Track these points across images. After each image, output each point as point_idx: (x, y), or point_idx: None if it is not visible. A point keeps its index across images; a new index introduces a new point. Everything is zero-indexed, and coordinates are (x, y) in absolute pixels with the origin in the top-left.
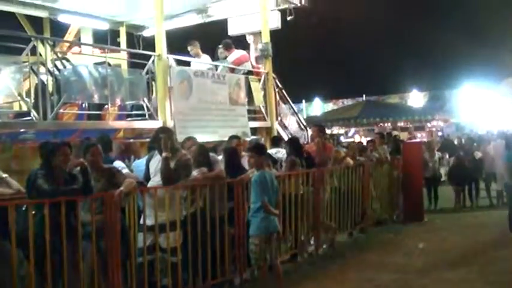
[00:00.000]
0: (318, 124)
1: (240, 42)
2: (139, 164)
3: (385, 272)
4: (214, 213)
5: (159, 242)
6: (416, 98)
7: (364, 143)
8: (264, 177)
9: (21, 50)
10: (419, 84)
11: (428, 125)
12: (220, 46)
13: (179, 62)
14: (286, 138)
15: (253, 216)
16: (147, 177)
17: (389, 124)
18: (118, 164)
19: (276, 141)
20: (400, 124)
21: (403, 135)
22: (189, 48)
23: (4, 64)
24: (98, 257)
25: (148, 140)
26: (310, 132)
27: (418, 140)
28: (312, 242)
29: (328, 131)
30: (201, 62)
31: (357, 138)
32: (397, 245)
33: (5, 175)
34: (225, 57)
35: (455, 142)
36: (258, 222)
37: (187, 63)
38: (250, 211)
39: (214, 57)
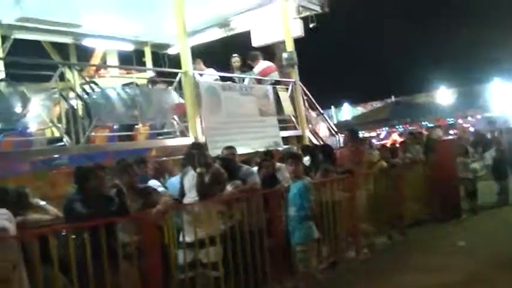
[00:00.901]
0: (350, 128)
1: (266, 52)
2: (174, 181)
3: (427, 272)
4: (252, 225)
5: (199, 258)
6: (444, 95)
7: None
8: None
9: (49, 76)
10: (447, 81)
11: (460, 121)
12: (235, 55)
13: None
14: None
15: (299, 224)
16: (182, 194)
17: (420, 123)
18: (153, 183)
19: (307, 149)
20: (430, 123)
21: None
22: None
23: (34, 92)
24: (139, 276)
25: (181, 157)
26: (341, 137)
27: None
28: (351, 248)
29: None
30: (227, 75)
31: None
32: (436, 244)
33: (42, 202)
34: (240, 67)
35: (488, 136)
36: (305, 229)
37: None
38: (293, 219)
39: (229, 68)
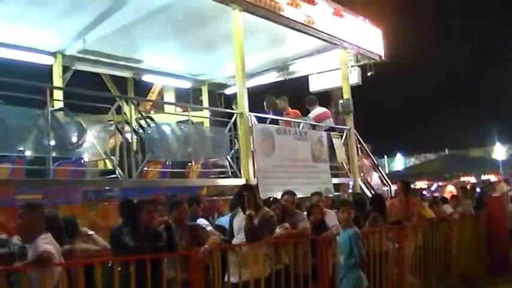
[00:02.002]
0: (403, 180)
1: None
2: (223, 220)
3: None
4: (299, 270)
5: None
6: (500, 151)
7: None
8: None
9: (106, 109)
10: (503, 137)
11: None
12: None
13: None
14: (369, 195)
15: (348, 272)
16: (231, 235)
17: (472, 178)
18: (202, 221)
19: (355, 198)
20: (484, 178)
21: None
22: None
23: (90, 123)
24: None
25: (231, 197)
26: (393, 187)
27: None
28: None
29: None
30: (285, 119)
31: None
32: None
33: (91, 232)
34: (269, 108)
35: None
36: (354, 278)
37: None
38: (343, 267)
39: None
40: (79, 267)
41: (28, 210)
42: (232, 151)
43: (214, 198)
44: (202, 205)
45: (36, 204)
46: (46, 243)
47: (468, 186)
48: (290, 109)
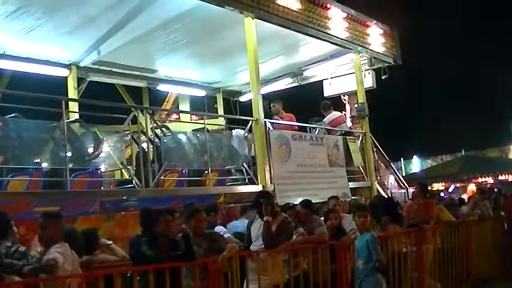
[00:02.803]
0: (420, 183)
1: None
2: (237, 224)
3: None
4: (318, 276)
5: None
6: None
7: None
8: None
9: (122, 119)
10: None
11: None
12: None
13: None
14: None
15: (367, 276)
16: (249, 242)
17: (490, 178)
18: (220, 228)
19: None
20: (502, 178)
21: None
22: None
23: (106, 134)
24: None
25: (248, 204)
26: (410, 190)
27: None
28: None
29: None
30: (299, 124)
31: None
32: None
33: (109, 242)
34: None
35: None
36: (375, 281)
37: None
38: (361, 272)
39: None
40: (98, 277)
41: (48, 219)
42: (248, 157)
43: (232, 205)
44: (220, 213)
45: (55, 213)
46: (58, 252)
47: (487, 186)
48: (284, 113)
